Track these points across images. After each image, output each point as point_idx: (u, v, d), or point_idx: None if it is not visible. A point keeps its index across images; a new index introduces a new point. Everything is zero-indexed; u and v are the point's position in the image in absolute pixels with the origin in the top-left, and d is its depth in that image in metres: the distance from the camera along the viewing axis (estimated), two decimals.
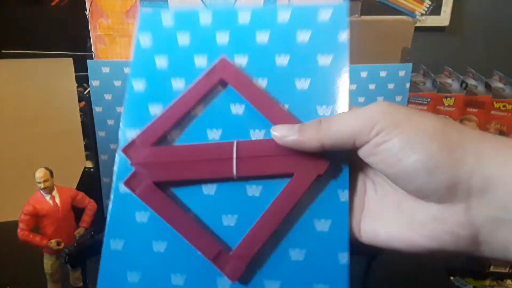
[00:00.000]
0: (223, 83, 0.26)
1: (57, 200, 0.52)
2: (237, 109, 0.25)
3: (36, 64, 0.69)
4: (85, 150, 0.75)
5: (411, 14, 0.75)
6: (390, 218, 0.22)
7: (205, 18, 0.27)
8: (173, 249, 0.23)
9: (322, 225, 0.23)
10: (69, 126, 0.72)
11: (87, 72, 0.58)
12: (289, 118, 0.24)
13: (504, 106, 0.88)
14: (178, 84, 0.26)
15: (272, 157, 0.23)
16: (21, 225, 0.51)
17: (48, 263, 0.53)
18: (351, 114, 0.22)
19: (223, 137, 0.24)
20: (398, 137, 0.20)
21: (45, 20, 1.04)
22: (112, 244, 0.23)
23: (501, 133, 0.91)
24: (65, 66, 0.69)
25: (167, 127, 0.25)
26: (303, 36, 0.26)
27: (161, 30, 0.27)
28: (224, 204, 0.23)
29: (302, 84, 0.25)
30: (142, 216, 0.23)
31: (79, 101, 0.72)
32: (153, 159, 0.24)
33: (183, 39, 0.27)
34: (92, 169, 0.75)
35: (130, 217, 0.23)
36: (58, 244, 0.52)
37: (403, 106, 0.22)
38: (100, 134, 0.61)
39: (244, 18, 0.26)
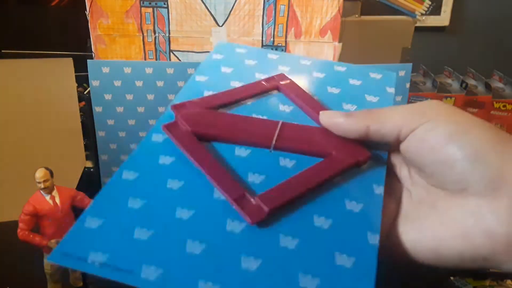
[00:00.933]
0: (277, 89, 0.29)
1: (57, 200, 0.52)
2: (285, 108, 0.28)
3: (36, 64, 0.69)
4: (85, 150, 0.75)
5: (411, 14, 0.75)
6: (421, 219, 0.22)
7: (272, 56, 0.32)
8: (187, 187, 0.22)
9: (353, 206, 0.22)
10: (69, 126, 0.71)
11: (87, 72, 0.58)
12: None
13: (504, 106, 0.88)
14: (236, 84, 0.29)
15: (313, 139, 0.25)
16: (21, 225, 0.51)
17: (48, 263, 0.53)
18: (402, 106, 0.23)
19: None
20: (446, 126, 0.21)
21: (45, 20, 1.04)
22: (125, 174, 0.22)
23: None
24: (65, 66, 0.69)
25: (217, 102, 0.27)
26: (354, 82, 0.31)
27: (232, 53, 0.32)
28: (254, 165, 0.24)
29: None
30: (166, 159, 0.23)
31: (79, 101, 0.72)
32: (197, 117, 0.25)
33: (250, 62, 0.32)
34: (92, 169, 0.75)
35: (153, 158, 0.24)
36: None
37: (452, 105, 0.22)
38: (100, 134, 0.61)
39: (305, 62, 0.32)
